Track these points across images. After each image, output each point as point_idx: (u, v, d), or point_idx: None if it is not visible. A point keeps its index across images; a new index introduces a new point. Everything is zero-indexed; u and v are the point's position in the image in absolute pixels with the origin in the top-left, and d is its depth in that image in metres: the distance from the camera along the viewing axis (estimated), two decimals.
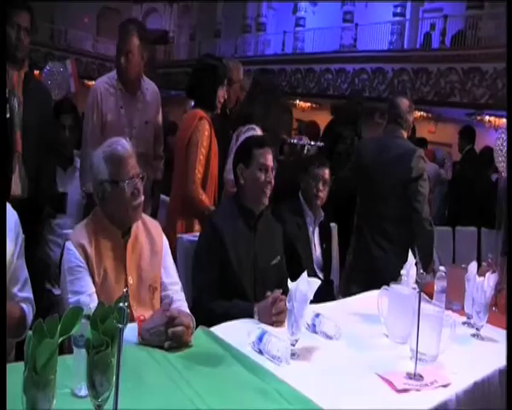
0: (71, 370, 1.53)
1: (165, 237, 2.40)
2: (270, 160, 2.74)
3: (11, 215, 1.98)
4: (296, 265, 3.08)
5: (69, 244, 2.13)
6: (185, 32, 26.93)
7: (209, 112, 3.43)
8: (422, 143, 7.22)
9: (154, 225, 2.39)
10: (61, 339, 1.19)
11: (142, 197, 2.22)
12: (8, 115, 2.84)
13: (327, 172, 3.58)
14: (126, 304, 1.23)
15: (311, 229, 3.50)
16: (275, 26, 22.62)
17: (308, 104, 18.63)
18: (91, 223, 2.22)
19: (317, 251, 3.55)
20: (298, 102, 18.92)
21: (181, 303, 2.28)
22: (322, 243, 3.59)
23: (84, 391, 1.49)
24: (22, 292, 2.01)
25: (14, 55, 3.07)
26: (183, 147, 3.33)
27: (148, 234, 2.32)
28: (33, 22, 3.18)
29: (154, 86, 3.74)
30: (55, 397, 1.24)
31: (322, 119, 11.79)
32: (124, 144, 2.23)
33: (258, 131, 3.70)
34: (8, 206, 1.98)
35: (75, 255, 2.10)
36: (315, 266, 3.48)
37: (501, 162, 4.86)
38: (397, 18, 17.09)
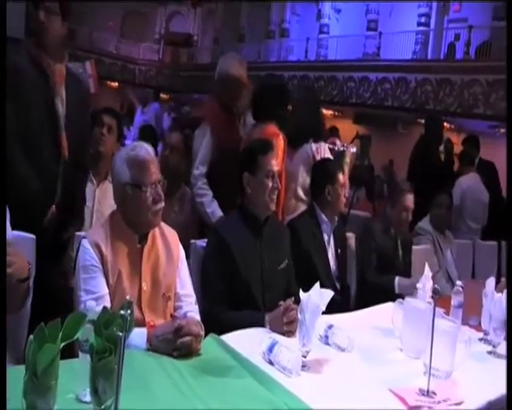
0: (77, 374, 1.50)
1: (181, 247, 2.36)
2: (276, 164, 2.71)
3: None
4: (314, 275, 3.01)
5: (85, 242, 2.11)
6: (209, 36, 26.99)
7: (279, 127, 3.51)
8: None
9: (172, 234, 2.34)
10: (62, 344, 1.16)
11: (163, 203, 2.20)
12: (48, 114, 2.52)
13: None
14: (129, 312, 1.20)
15: (326, 237, 3.41)
16: (298, 33, 22.57)
17: (330, 112, 18.51)
18: (109, 225, 2.18)
19: (332, 258, 3.48)
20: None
21: (193, 315, 2.22)
22: (337, 250, 3.52)
23: (88, 397, 1.46)
24: None
25: (57, 46, 2.72)
26: None
27: (165, 242, 2.28)
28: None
29: None
30: (56, 403, 1.22)
31: (344, 126, 11.74)
32: (147, 149, 2.20)
33: (327, 148, 3.79)
34: None
35: (90, 254, 2.08)
36: (332, 275, 3.42)
37: None
38: (421, 28, 16.92)
